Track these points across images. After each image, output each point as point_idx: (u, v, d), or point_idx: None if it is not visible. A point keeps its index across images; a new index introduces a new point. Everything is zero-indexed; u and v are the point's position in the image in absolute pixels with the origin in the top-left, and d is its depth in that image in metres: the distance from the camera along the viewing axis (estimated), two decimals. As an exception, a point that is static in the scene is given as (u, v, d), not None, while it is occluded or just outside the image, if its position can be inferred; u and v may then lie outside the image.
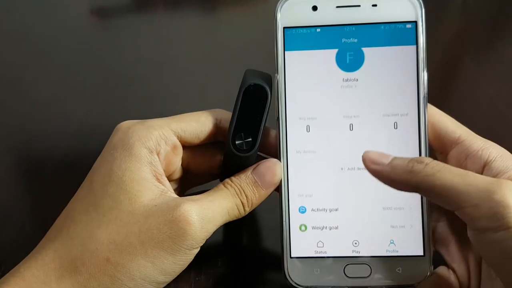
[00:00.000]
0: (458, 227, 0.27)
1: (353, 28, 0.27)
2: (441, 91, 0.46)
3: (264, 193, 0.26)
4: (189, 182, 0.31)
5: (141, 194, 0.24)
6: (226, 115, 0.28)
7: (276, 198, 0.28)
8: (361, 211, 0.27)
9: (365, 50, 0.27)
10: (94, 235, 0.23)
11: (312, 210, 0.27)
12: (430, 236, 0.27)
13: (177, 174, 0.29)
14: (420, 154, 0.27)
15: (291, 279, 0.27)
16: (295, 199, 0.27)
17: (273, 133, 0.28)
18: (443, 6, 0.64)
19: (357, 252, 0.27)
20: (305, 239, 0.27)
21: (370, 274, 0.27)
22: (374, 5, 0.27)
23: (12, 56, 0.53)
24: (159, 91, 0.47)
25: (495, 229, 0.21)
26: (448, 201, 0.22)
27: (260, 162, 0.27)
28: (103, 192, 0.24)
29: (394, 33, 0.27)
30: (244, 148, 0.26)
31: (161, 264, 0.23)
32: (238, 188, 0.26)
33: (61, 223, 0.25)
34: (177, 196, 0.25)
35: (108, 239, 0.23)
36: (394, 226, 0.27)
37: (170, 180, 0.27)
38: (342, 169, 0.27)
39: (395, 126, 0.27)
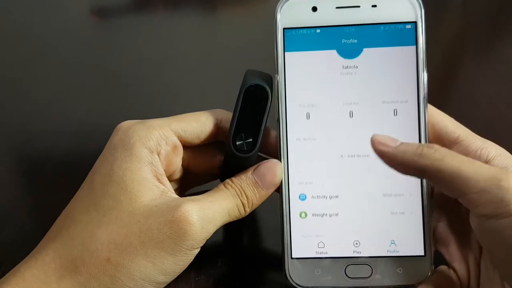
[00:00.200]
0: (458, 227, 0.27)
1: (353, 29, 0.27)
2: (441, 91, 0.46)
3: (265, 193, 0.26)
4: (190, 182, 0.31)
5: (141, 194, 0.24)
6: (226, 115, 0.28)
7: (276, 199, 0.28)
8: (361, 197, 0.27)
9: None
10: (95, 235, 0.23)
11: (312, 197, 0.27)
12: (430, 236, 0.27)
13: (178, 174, 0.29)
14: (420, 141, 0.27)
15: (292, 279, 0.27)
16: (295, 186, 0.27)
17: (273, 133, 0.28)
18: (443, 6, 0.64)
19: (358, 252, 0.27)
20: (305, 226, 0.27)
21: (371, 274, 0.27)
22: (374, 6, 0.27)
23: (12, 56, 0.53)
24: (159, 91, 0.47)
25: (500, 215, 0.21)
26: (454, 187, 0.22)
27: (260, 163, 0.27)
28: (104, 192, 0.24)
29: (394, 33, 0.27)
30: (245, 148, 0.26)
31: (161, 264, 0.23)
32: (239, 189, 0.26)
33: (61, 223, 0.25)
34: (178, 196, 0.25)
35: (108, 239, 0.23)
36: (394, 213, 0.27)
37: (170, 180, 0.27)
38: (342, 156, 0.27)
39: (395, 113, 0.27)
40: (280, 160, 0.27)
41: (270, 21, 0.27)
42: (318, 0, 0.27)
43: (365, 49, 0.27)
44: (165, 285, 0.25)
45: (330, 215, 0.27)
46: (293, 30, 0.27)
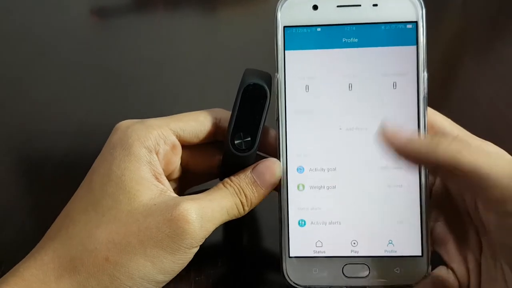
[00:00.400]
0: (456, 226, 0.27)
1: (354, 28, 0.27)
2: (441, 91, 0.46)
3: (264, 192, 0.26)
4: (189, 182, 0.31)
5: (140, 194, 0.24)
6: (225, 115, 0.28)
7: (276, 199, 0.28)
8: (359, 170, 0.27)
9: None
10: (93, 234, 0.23)
11: (310, 170, 0.27)
12: (428, 236, 0.27)
13: (177, 173, 0.29)
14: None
15: (289, 278, 0.27)
16: (293, 159, 0.27)
17: (272, 132, 0.28)
18: (443, 6, 0.64)
19: (355, 252, 0.27)
20: (303, 199, 0.27)
21: (369, 274, 0.27)
22: (375, 5, 0.27)
23: (12, 56, 0.53)
24: (159, 91, 0.47)
25: None
26: (471, 182, 0.21)
27: (259, 162, 0.27)
28: (102, 192, 0.24)
29: (395, 33, 0.27)
30: (243, 147, 0.26)
31: (160, 263, 0.23)
32: (238, 188, 0.26)
33: (61, 222, 0.25)
34: (176, 196, 0.25)
35: (107, 238, 0.23)
36: (391, 186, 0.27)
37: (169, 179, 0.27)
38: (340, 129, 0.27)
39: (394, 86, 0.27)
40: (280, 159, 0.27)
41: (270, 21, 0.27)
42: None
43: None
44: (164, 284, 0.25)
45: (328, 188, 0.27)
46: (294, 29, 0.27)
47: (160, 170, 0.26)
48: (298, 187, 0.27)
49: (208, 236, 0.25)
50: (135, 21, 0.61)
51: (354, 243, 0.27)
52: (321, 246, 0.27)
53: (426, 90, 0.27)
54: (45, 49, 0.54)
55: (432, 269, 0.27)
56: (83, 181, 0.26)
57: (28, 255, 0.24)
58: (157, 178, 0.25)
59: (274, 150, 0.28)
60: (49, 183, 0.37)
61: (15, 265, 0.24)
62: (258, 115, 0.26)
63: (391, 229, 0.27)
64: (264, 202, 0.27)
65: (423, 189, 0.27)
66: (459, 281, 0.26)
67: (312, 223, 0.27)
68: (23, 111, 0.45)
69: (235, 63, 0.50)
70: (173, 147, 0.27)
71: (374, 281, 0.27)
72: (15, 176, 0.38)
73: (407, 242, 0.27)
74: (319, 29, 0.27)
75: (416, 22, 0.27)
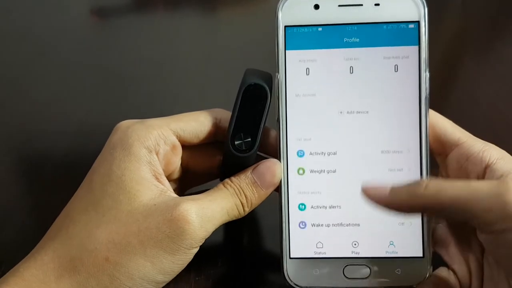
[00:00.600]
0: (457, 228, 0.27)
1: (355, 28, 0.27)
2: (441, 91, 0.46)
3: (264, 193, 0.26)
4: (189, 182, 0.31)
5: (140, 194, 0.24)
6: (225, 115, 0.28)
7: (276, 199, 0.28)
8: (359, 154, 0.27)
9: None
10: (93, 234, 0.23)
11: (311, 153, 0.27)
12: (429, 237, 0.27)
13: (177, 173, 0.29)
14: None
15: (290, 279, 0.27)
16: (293, 143, 0.27)
17: (273, 133, 0.28)
18: (443, 6, 0.64)
19: (356, 253, 0.27)
20: (304, 183, 0.27)
21: (370, 275, 0.27)
22: (377, 4, 0.26)
23: (12, 56, 0.53)
24: (159, 91, 0.47)
25: (510, 230, 0.21)
26: (459, 213, 0.22)
27: (260, 162, 0.27)
28: (103, 192, 0.24)
29: (397, 33, 0.27)
30: (244, 148, 0.26)
31: (160, 264, 0.23)
32: (238, 188, 0.26)
33: (61, 222, 0.25)
34: (177, 196, 0.25)
35: (107, 238, 0.23)
36: (392, 170, 0.27)
37: (169, 179, 0.27)
38: (341, 112, 0.27)
39: (396, 69, 0.27)
40: (281, 161, 0.27)
41: (270, 21, 0.27)
42: None
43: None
44: (164, 284, 0.25)
45: (328, 172, 0.27)
46: (295, 28, 0.27)
47: (160, 170, 0.26)
48: (298, 171, 0.27)
49: (208, 237, 0.25)
50: (135, 21, 0.61)
51: (355, 244, 0.27)
52: (322, 247, 0.27)
53: (427, 91, 0.26)
54: (45, 49, 0.54)
55: (433, 270, 0.27)
56: (83, 181, 0.26)
57: (28, 255, 0.24)
58: (157, 178, 0.25)
59: (274, 151, 0.28)
60: (49, 183, 0.37)
61: (15, 265, 0.24)
62: (258, 115, 0.26)
63: (392, 230, 0.27)
64: (264, 202, 0.27)
65: None
66: (460, 282, 0.26)
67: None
68: (23, 111, 0.45)
69: (235, 63, 0.50)
70: (173, 147, 0.27)
71: (375, 282, 0.27)
72: (15, 176, 0.38)
73: (408, 243, 0.27)
74: (320, 28, 0.27)
75: (418, 22, 0.26)
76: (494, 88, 0.47)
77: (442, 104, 0.45)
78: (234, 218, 0.26)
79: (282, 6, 0.27)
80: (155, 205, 0.24)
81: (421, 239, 0.27)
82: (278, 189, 0.27)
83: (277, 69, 0.27)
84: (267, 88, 0.26)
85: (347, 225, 0.27)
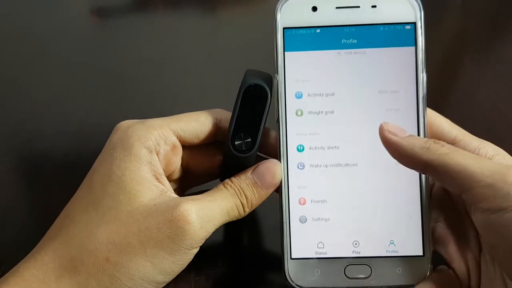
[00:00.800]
0: (457, 227, 0.27)
1: (353, 29, 0.27)
2: (441, 91, 0.46)
3: (264, 193, 0.26)
4: (189, 182, 0.31)
5: (140, 194, 0.24)
6: (226, 115, 0.28)
7: (276, 199, 0.28)
8: (357, 95, 0.27)
9: None
10: (94, 234, 0.23)
11: (309, 95, 0.27)
12: (429, 236, 0.27)
13: (177, 174, 0.29)
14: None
15: (291, 280, 0.27)
16: (291, 84, 0.27)
17: (273, 133, 0.28)
18: (443, 6, 0.64)
19: (357, 252, 0.27)
20: (302, 125, 0.27)
21: (371, 274, 0.27)
22: (374, 6, 0.27)
23: (12, 56, 0.53)
24: (159, 91, 0.47)
25: (506, 209, 0.21)
26: (459, 181, 0.22)
27: (260, 163, 0.27)
28: (103, 192, 0.24)
29: (393, 34, 0.27)
30: (244, 148, 0.26)
31: (160, 264, 0.23)
32: (238, 189, 0.26)
33: (61, 222, 0.25)
34: (177, 196, 0.25)
35: (107, 238, 0.23)
36: (389, 109, 0.27)
37: (169, 180, 0.27)
38: (339, 53, 0.27)
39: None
40: (281, 160, 0.27)
41: (270, 21, 0.27)
42: (318, 0, 0.27)
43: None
44: (164, 284, 0.25)
45: (326, 113, 0.27)
46: (293, 30, 0.27)
47: (161, 171, 0.26)
48: (296, 112, 0.27)
49: (208, 237, 0.25)
50: (135, 21, 0.61)
51: (356, 244, 0.27)
52: (323, 247, 0.27)
53: (425, 91, 0.27)
54: (45, 49, 0.54)
55: (433, 268, 0.27)
56: (83, 181, 0.26)
57: (28, 255, 0.24)
58: (157, 179, 0.25)
59: (274, 151, 0.28)
60: (49, 183, 0.37)
61: (15, 265, 0.24)
62: (258, 116, 0.26)
63: (393, 229, 0.27)
64: (265, 202, 0.27)
65: (424, 190, 0.27)
66: (460, 281, 0.26)
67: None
68: (23, 111, 0.45)
69: (235, 63, 0.50)
70: (174, 147, 0.27)
71: (376, 282, 0.27)
72: (15, 176, 0.38)
73: (409, 242, 0.27)
74: (318, 30, 0.27)
75: (414, 23, 0.27)
76: (494, 88, 0.47)
77: (442, 104, 0.45)
78: (235, 219, 0.26)
79: (281, 8, 0.27)
80: (155, 205, 0.24)
81: (421, 238, 0.27)
82: (278, 189, 0.27)
83: (276, 70, 0.27)
84: (267, 89, 0.26)
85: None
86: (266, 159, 0.27)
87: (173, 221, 0.23)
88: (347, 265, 0.27)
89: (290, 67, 0.27)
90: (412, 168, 0.24)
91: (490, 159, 0.25)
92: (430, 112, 0.28)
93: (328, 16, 0.27)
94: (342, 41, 0.27)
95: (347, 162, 0.27)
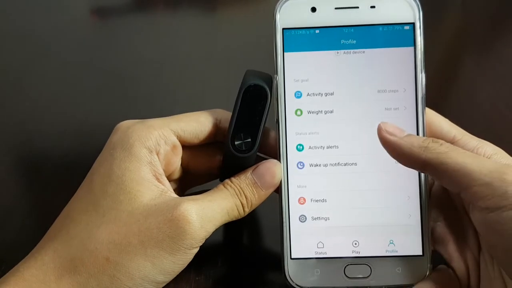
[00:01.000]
0: (456, 226, 0.27)
1: (352, 30, 0.27)
2: (441, 91, 0.46)
3: (264, 194, 0.26)
4: (189, 182, 0.31)
5: (140, 194, 0.24)
6: (226, 115, 0.28)
7: (276, 199, 0.28)
8: (356, 94, 0.27)
9: None
10: (94, 234, 0.23)
11: (308, 95, 0.27)
12: (429, 236, 0.27)
13: (177, 174, 0.29)
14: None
15: (291, 280, 0.27)
16: (291, 84, 0.27)
17: (272, 133, 0.28)
18: (443, 6, 0.64)
19: (357, 252, 0.27)
20: (302, 125, 0.27)
21: (370, 274, 0.27)
22: (373, 7, 0.27)
23: (12, 56, 0.53)
24: (159, 91, 0.47)
25: (503, 208, 0.21)
26: (457, 180, 0.22)
27: (260, 163, 0.27)
28: (103, 192, 0.24)
29: (392, 34, 0.27)
30: (244, 148, 0.26)
31: (161, 264, 0.23)
32: (238, 189, 0.26)
33: (61, 222, 0.25)
34: (177, 196, 0.25)
35: (107, 238, 0.23)
36: (388, 109, 0.27)
37: (169, 180, 0.27)
38: (338, 53, 0.27)
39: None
40: (280, 160, 0.27)
41: (270, 21, 0.27)
42: (317, 0, 0.27)
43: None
44: (164, 284, 0.25)
45: (325, 112, 0.27)
46: (292, 31, 0.27)
47: (161, 171, 0.26)
48: (296, 112, 0.27)
49: (208, 237, 0.25)
50: (135, 21, 0.61)
51: (356, 244, 0.27)
52: (323, 247, 0.27)
53: (424, 91, 0.27)
54: (45, 49, 0.54)
55: (433, 268, 0.27)
56: (83, 182, 0.26)
57: (29, 255, 0.24)
58: (157, 179, 0.25)
59: (274, 151, 0.28)
60: (49, 183, 0.37)
61: (15, 265, 0.24)
62: (258, 116, 0.26)
63: (392, 229, 0.27)
64: (264, 202, 0.27)
65: (423, 189, 0.27)
66: (459, 280, 0.26)
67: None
68: (23, 111, 0.45)
69: (235, 63, 0.50)
70: (174, 147, 0.27)
71: (376, 282, 0.27)
72: (15, 176, 0.38)
73: (408, 241, 0.27)
74: (317, 31, 0.27)
75: (413, 24, 0.27)
76: (494, 88, 0.47)
77: (442, 103, 0.45)
78: (234, 219, 0.26)
79: (280, 9, 0.27)
80: (155, 205, 0.24)
81: (421, 238, 0.27)
82: (278, 189, 0.27)
83: (275, 71, 0.27)
84: (267, 89, 0.26)
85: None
86: (266, 159, 0.28)
87: (173, 220, 0.23)
88: (347, 265, 0.27)
89: (290, 67, 0.27)
90: (411, 167, 0.24)
91: (489, 158, 0.25)
92: (429, 112, 0.28)
93: (327, 16, 0.27)
94: (341, 42, 0.27)
95: (346, 161, 0.27)
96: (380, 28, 0.27)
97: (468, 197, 0.23)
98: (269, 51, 0.28)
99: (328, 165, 0.27)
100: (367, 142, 0.27)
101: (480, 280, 0.25)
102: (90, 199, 0.25)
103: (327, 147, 0.27)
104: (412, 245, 0.27)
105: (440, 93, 0.45)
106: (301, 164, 0.28)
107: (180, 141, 0.27)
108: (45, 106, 0.45)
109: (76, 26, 0.59)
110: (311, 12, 0.27)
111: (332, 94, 0.27)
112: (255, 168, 0.27)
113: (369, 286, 0.27)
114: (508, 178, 0.21)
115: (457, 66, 0.52)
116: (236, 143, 0.26)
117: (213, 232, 0.25)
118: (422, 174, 0.27)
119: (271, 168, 0.27)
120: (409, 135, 0.24)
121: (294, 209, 0.27)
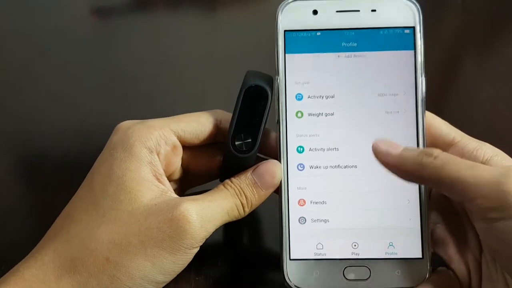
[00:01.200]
0: (456, 228, 0.27)
1: (353, 33, 0.27)
2: (441, 91, 0.46)
3: (264, 194, 0.26)
4: (189, 182, 0.31)
5: (141, 194, 0.24)
6: (226, 116, 0.28)
7: (276, 199, 0.28)
8: (357, 97, 0.27)
9: None
10: (94, 234, 0.23)
11: (309, 97, 0.28)
12: (428, 238, 0.27)
13: (177, 174, 0.29)
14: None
15: (290, 281, 0.27)
16: (292, 86, 0.27)
17: (273, 134, 0.28)
18: (443, 6, 0.64)
19: (356, 254, 0.27)
20: (302, 127, 0.27)
21: (369, 276, 0.27)
22: (373, 10, 0.27)
23: (12, 56, 0.53)
24: (159, 91, 0.47)
25: (505, 218, 0.21)
26: (456, 193, 0.23)
27: (260, 163, 0.27)
28: (103, 192, 0.24)
29: (393, 38, 0.27)
30: (244, 149, 0.26)
31: (161, 264, 0.23)
32: (238, 189, 0.26)
33: (61, 222, 0.25)
34: (177, 196, 0.25)
35: (107, 238, 0.23)
36: (388, 112, 0.27)
37: (170, 180, 0.27)
38: (339, 56, 0.27)
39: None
40: (280, 161, 0.27)
41: (270, 22, 0.28)
42: (318, 3, 0.27)
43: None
44: (164, 284, 0.25)
45: (326, 115, 0.27)
46: (294, 33, 0.27)
47: (161, 171, 0.26)
48: (296, 114, 0.28)
49: (208, 237, 0.25)
50: (135, 21, 0.61)
51: (355, 245, 0.27)
52: (322, 249, 0.27)
53: (424, 94, 0.27)
54: (45, 49, 0.54)
55: (433, 270, 0.27)
56: (83, 182, 0.26)
57: (29, 255, 0.24)
58: (158, 179, 0.25)
59: (274, 152, 0.28)
60: (49, 183, 0.37)
61: (15, 264, 0.24)
62: (259, 116, 0.26)
63: (392, 231, 0.27)
64: (264, 202, 0.27)
65: (423, 192, 0.27)
66: (460, 282, 0.26)
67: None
68: (23, 111, 0.45)
69: (235, 63, 0.50)
70: (174, 147, 0.27)
71: (375, 284, 0.27)
72: (15, 176, 0.38)
73: (408, 244, 0.27)
74: (319, 33, 0.27)
75: (413, 27, 0.27)
76: (494, 89, 0.47)
77: (442, 104, 0.45)
78: (234, 219, 0.26)
79: (282, 11, 0.27)
80: (155, 205, 0.24)
81: (420, 240, 0.27)
82: (277, 190, 0.27)
83: (276, 72, 0.27)
84: (267, 90, 0.26)
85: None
86: (266, 160, 0.27)
87: (173, 220, 0.23)
88: (346, 267, 0.27)
89: (291, 69, 0.27)
90: (413, 182, 0.25)
91: (489, 160, 0.25)
92: (428, 114, 0.28)
93: (329, 19, 0.27)
94: (342, 44, 0.27)
95: (346, 164, 0.27)
96: (381, 32, 0.27)
97: (469, 208, 0.23)
98: (269, 51, 0.28)
99: (328, 167, 0.27)
100: (367, 144, 0.27)
101: (481, 282, 0.25)
102: (90, 199, 0.25)
103: (328, 149, 0.27)
104: (412, 248, 0.27)
105: (440, 94, 0.45)
106: (301, 166, 0.28)
107: (180, 141, 0.27)
108: (45, 106, 0.45)
109: (76, 26, 0.59)
110: (312, 15, 0.27)
111: (333, 96, 0.27)
112: (255, 168, 0.27)
113: None
114: (506, 188, 0.21)
115: (457, 66, 0.52)
116: (236, 143, 0.26)
117: (213, 232, 0.25)
118: None
119: (271, 168, 0.27)
120: (402, 151, 0.24)
121: (294, 211, 0.27)
